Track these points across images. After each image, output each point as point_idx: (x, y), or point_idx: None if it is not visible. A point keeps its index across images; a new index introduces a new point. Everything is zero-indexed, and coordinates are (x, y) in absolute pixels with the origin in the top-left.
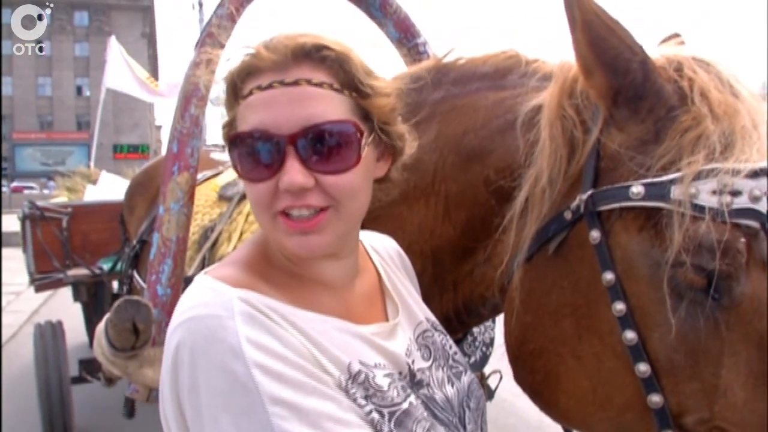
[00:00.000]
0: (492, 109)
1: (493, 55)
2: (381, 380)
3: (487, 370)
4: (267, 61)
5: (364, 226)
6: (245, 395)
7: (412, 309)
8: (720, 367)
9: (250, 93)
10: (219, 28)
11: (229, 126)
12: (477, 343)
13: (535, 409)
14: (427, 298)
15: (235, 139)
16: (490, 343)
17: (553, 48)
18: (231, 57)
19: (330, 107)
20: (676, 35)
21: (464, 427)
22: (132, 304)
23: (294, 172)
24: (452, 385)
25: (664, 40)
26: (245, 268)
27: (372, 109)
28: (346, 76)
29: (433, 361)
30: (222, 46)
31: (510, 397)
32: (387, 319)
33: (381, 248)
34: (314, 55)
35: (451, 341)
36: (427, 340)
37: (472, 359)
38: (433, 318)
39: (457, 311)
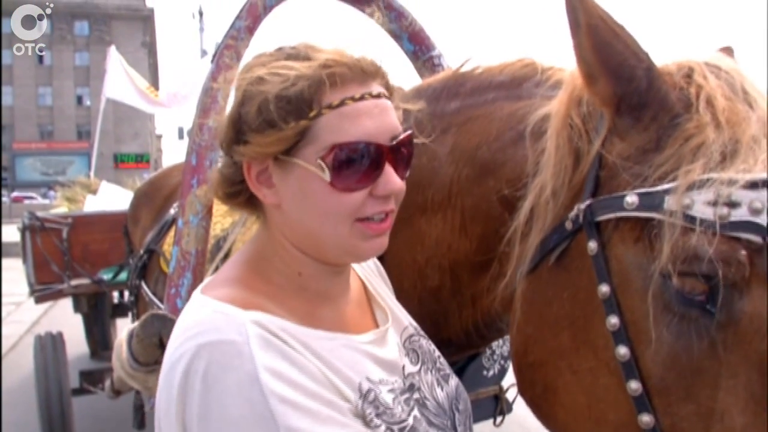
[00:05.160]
0: (506, 120)
1: (509, 64)
2: (386, 396)
3: (505, 383)
4: (348, 75)
5: None
6: (261, 425)
7: (397, 314)
8: (717, 389)
9: (342, 103)
10: (237, 39)
11: (300, 137)
12: (495, 357)
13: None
14: (447, 314)
15: (332, 150)
16: (509, 357)
17: (550, 53)
18: (262, 73)
19: (396, 118)
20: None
21: (455, 430)
22: (159, 318)
23: (395, 179)
24: (442, 389)
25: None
26: (245, 287)
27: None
28: (388, 88)
29: (422, 365)
30: (240, 57)
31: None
32: (377, 326)
33: None
34: (376, 69)
35: (434, 345)
36: (414, 344)
37: (491, 372)
38: (415, 323)
39: (476, 326)
